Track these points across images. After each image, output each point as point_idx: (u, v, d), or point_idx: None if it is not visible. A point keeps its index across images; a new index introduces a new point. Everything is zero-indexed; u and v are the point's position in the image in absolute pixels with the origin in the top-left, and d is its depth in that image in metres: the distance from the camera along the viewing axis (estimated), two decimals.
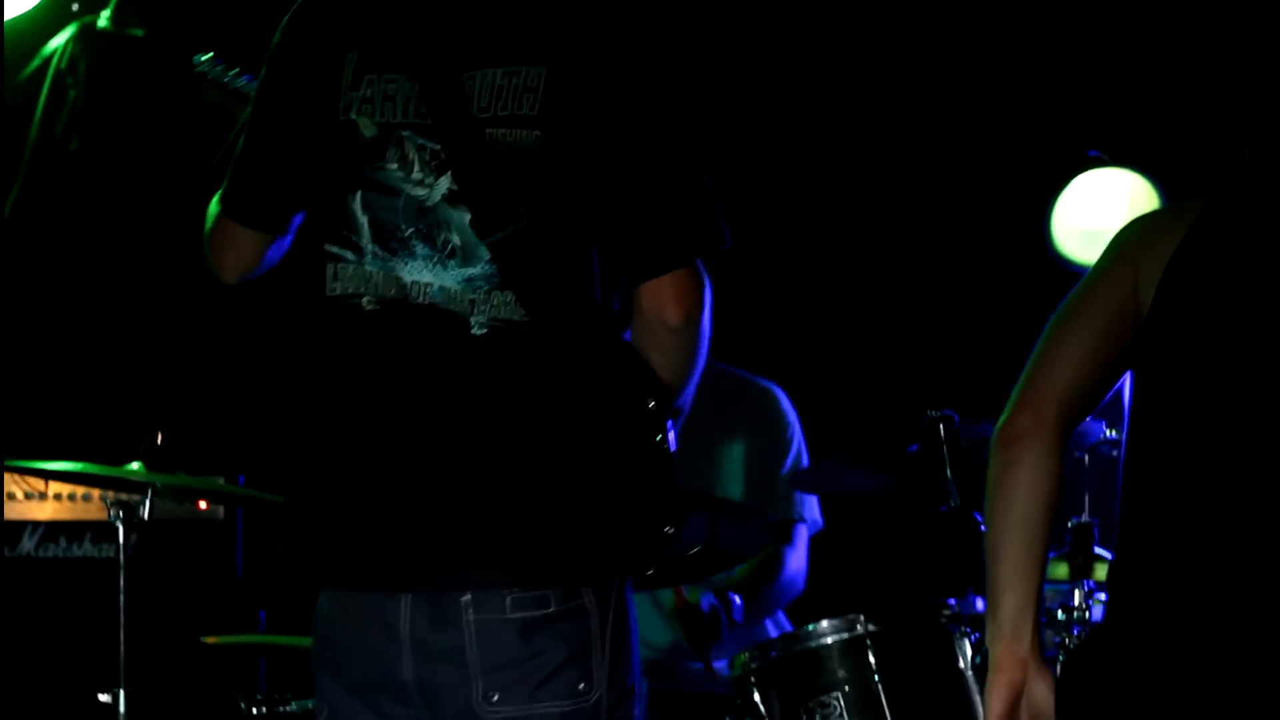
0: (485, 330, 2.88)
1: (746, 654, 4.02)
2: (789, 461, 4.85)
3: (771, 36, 5.72)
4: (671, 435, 2.93)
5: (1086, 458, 4.55)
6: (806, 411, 4.91)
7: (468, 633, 2.87)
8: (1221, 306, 2.75)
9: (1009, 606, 2.81)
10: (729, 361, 4.89)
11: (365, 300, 2.92)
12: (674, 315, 2.89)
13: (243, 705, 4.64)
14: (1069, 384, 2.83)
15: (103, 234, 6.01)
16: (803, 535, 4.89)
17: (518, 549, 2.87)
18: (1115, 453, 4.29)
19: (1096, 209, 5.14)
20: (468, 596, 2.87)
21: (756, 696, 3.96)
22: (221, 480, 5.39)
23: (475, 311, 2.88)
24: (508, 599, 2.86)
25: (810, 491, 4.78)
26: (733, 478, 4.85)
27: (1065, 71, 5.45)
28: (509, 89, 2.87)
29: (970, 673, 3.92)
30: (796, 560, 4.87)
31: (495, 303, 2.88)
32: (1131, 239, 2.86)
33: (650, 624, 4.76)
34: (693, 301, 2.90)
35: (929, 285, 5.67)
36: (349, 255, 2.93)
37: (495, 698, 2.88)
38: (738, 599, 4.63)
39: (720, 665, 4.53)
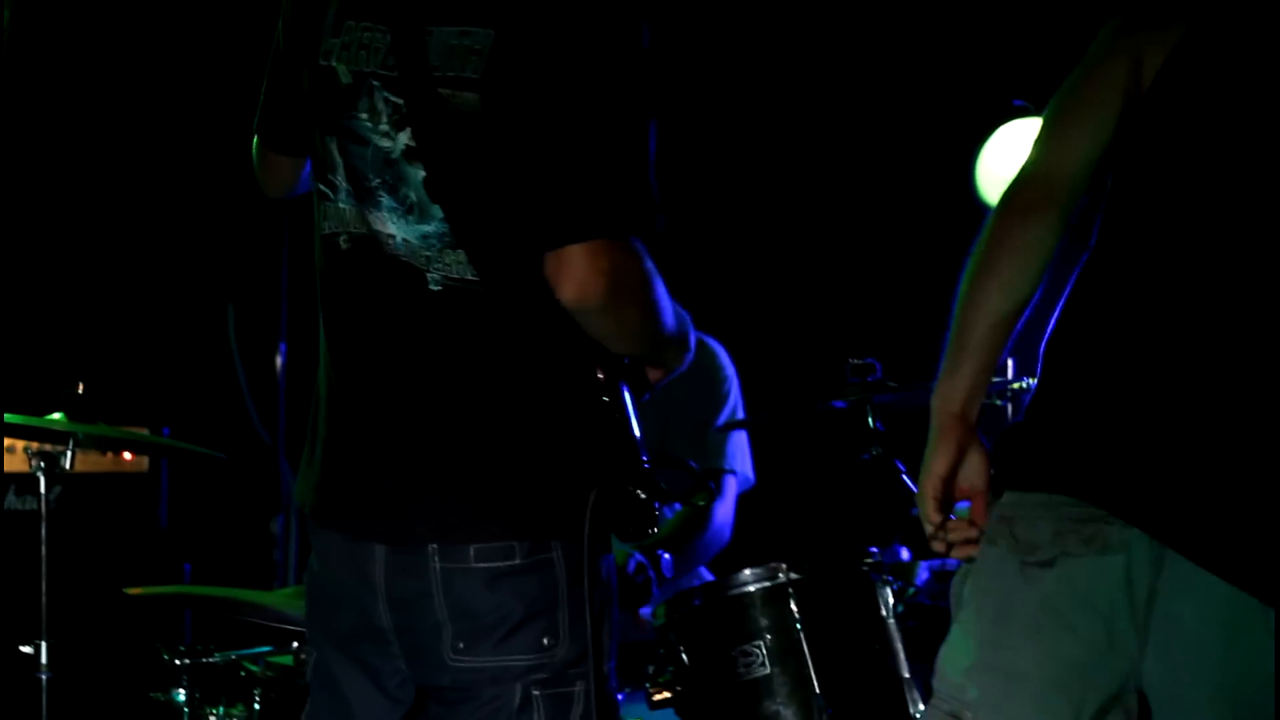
0: (440, 287, 2.88)
1: (669, 603, 4.00)
2: (723, 415, 4.85)
3: None
4: (628, 399, 2.91)
5: (1009, 407, 4.56)
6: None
7: (435, 581, 2.89)
8: (1222, 99, 2.75)
9: (967, 373, 2.84)
10: None
11: (342, 239, 2.95)
12: (567, 292, 2.79)
13: (165, 656, 4.62)
14: (1078, 164, 2.84)
15: (20, 181, 5.95)
16: (731, 486, 4.90)
17: (480, 501, 2.87)
18: None
19: (1021, 158, 5.10)
20: (434, 545, 2.88)
21: (680, 645, 3.95)
22: (146, 431, 5.36)
23: (431, 268, 2.88)
24: (472, 549, 2.87)
25: (733, 440, 4.78)
26: (674, 429, 4.86)
27: (989, 21, 5.44)
28: (458, 49, 2.84)
29: (892, 620, 3.91)
30: (724, 511, 4.87)
31: (448, 261, 2.87)
32: (1136, 20, 2.85)
33: None
34: (587, 281, 2.77)
35: (853, 234, 5.67)
36: (331, 195, 2.95)
37: (461, 646, 2.89)
38: (666, 555, 4.63)
39: (645, 613, 4.54)
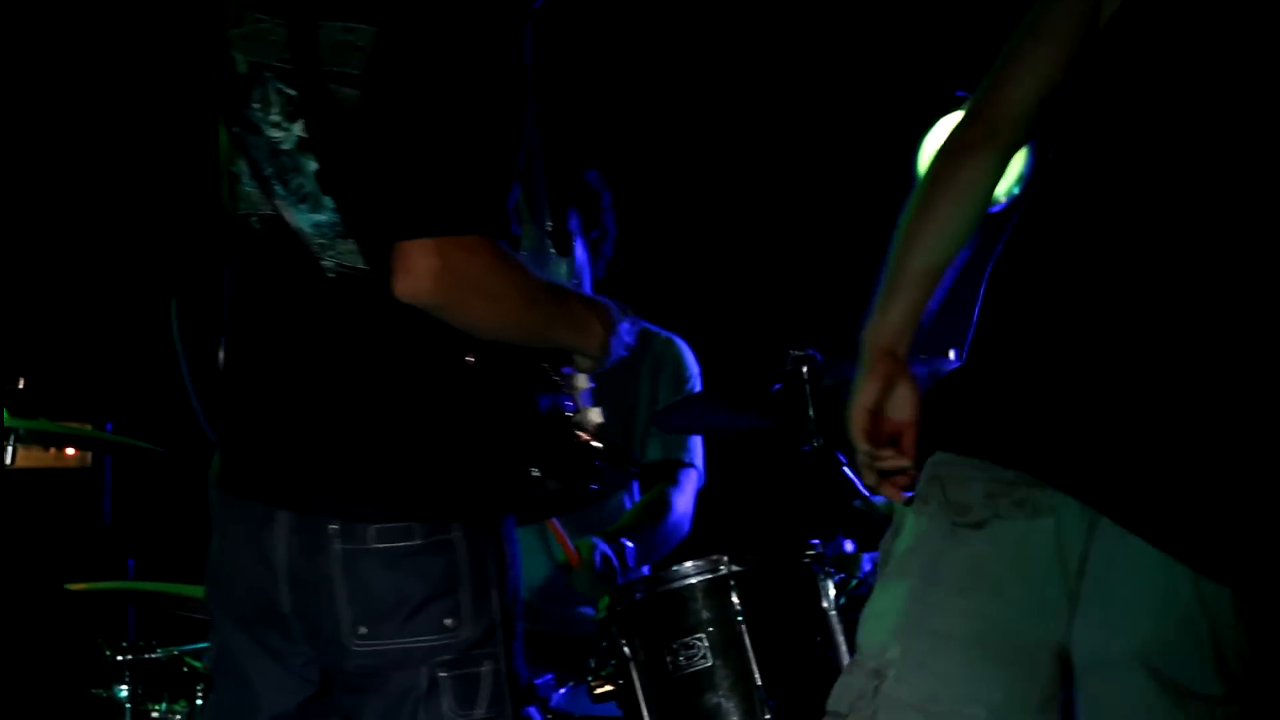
0: (335, 275, 2.92)
1: (611, 596, 4.00)
2: None
3: None
4: (514, 385, 2.96)
5: None
6: None
7: (335, 562, 2.91)
8: (1179, 48, 2.70)
9: (899, 308, 2.81)
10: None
11: (253, 219, 2.99)
12: (397, 287, 2.83)
13: (108, 652, 4.61)
14: (1027, 103, 2.78)
15: None
16: (690, 479, 4.90)
17: (379, 481, 2.90)
18: None
19: None
20: (335, 526, 2.90)
21: (621, 638, 3.93)
22: (89, 427, 5.34)
23: (325, 255, 2.92)
24: (372, 529, 2.89)
25: (674, 431, 4.77)
26: (641, 426, 4.87)
27: (932, 12, 5.44)
28: (342, 45, 2.89)
29: (834, 612, 3.91)
30: (683, 502, 4.88)
31: (340, 249, 2.91)
32: None
33: (526, 567, 4.76)
34: (416, 278, 2.82)
35: (795, 225, 5.67)
36: (239, 179, 3.00)
37: (363, 630, 2.91)
38: (630, 544, 4.63)
39: (585, 608, 4.54)
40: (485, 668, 2.95)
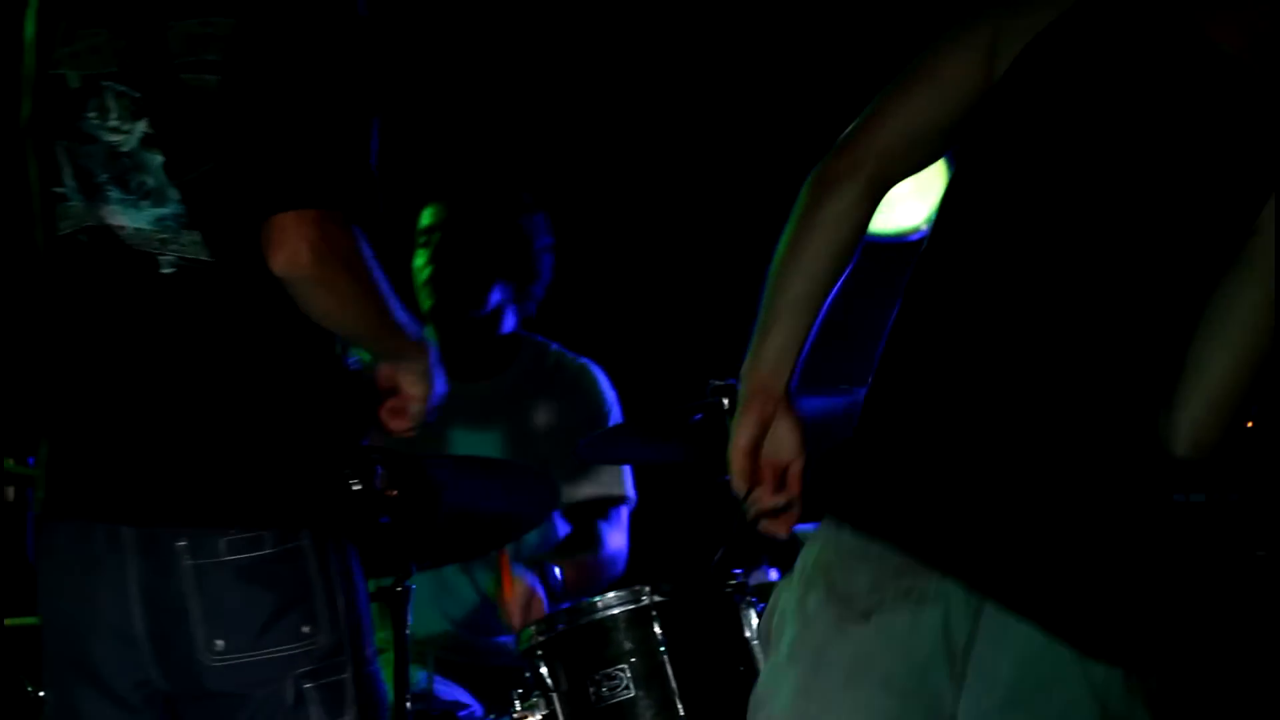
0: (174, 269, 2.93)
1: (534, 627, 4.01)
2: None
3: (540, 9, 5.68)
4: (350, 385, 3.00)
5: None
6: None
7: (187, 579, 2.90)
8: (1076, 98, 2.69)
9: (774, 343, 2.80)
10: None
11: (81, 235, 3.00)
12: (278, 261, 2.86)
13: (29, 688, 4.58)
14: (898, 139, 2.77)
15: None
16: (624, 516, 4.89)
17: (227, 490, 2.90)
18: None
19: None
20: (184, 542, 2.90)
21: (544, 669, 3.94)
22: (11, 461, 5.30)
23: (166, 250, 2.94)
24: (222, 541, 2.90)
25: (597, 461, 4.76)
26: (551, 453, 4.83)
27: (845, 42, 5.44)
28: (199, 37, 2.92)
29: (757, 642, 3.92)
30: (617, 539, 4.87)
31: (184, 241, 2.94)
32: (999, 5, 2.78)
33: (450, 598, 4.75)
34: (298, 248, 2.85)
35: (712, 253, 5.65)
36: (65, 197, 3.01)
37: (220, 645, 2.91)
38: (557, 570, 4.62)
39: (507, 638, 4.53)
40: (346, 674, 2.95)
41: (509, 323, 4.88)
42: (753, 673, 3.90)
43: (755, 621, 3.93)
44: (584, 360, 4.97)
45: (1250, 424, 4.23)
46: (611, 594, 3.95)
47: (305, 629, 2.92)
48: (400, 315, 3.02)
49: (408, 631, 3.87)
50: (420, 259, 4.86)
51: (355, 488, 3.03)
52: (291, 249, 2.84)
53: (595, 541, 4.82)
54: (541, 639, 3.96)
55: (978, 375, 2.69)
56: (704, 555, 4.07)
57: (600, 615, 3.93)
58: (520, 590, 4.53)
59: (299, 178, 2.85)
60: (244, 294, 2.92)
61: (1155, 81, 2.67)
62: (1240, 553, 4.31)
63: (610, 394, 4.94)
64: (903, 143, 2.77)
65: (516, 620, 4.50)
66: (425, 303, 4.85)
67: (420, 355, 3.08)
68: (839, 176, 2.78)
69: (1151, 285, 2.66)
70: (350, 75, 2.91)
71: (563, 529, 4.91)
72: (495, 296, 4.82)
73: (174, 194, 2.94)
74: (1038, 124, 2.71)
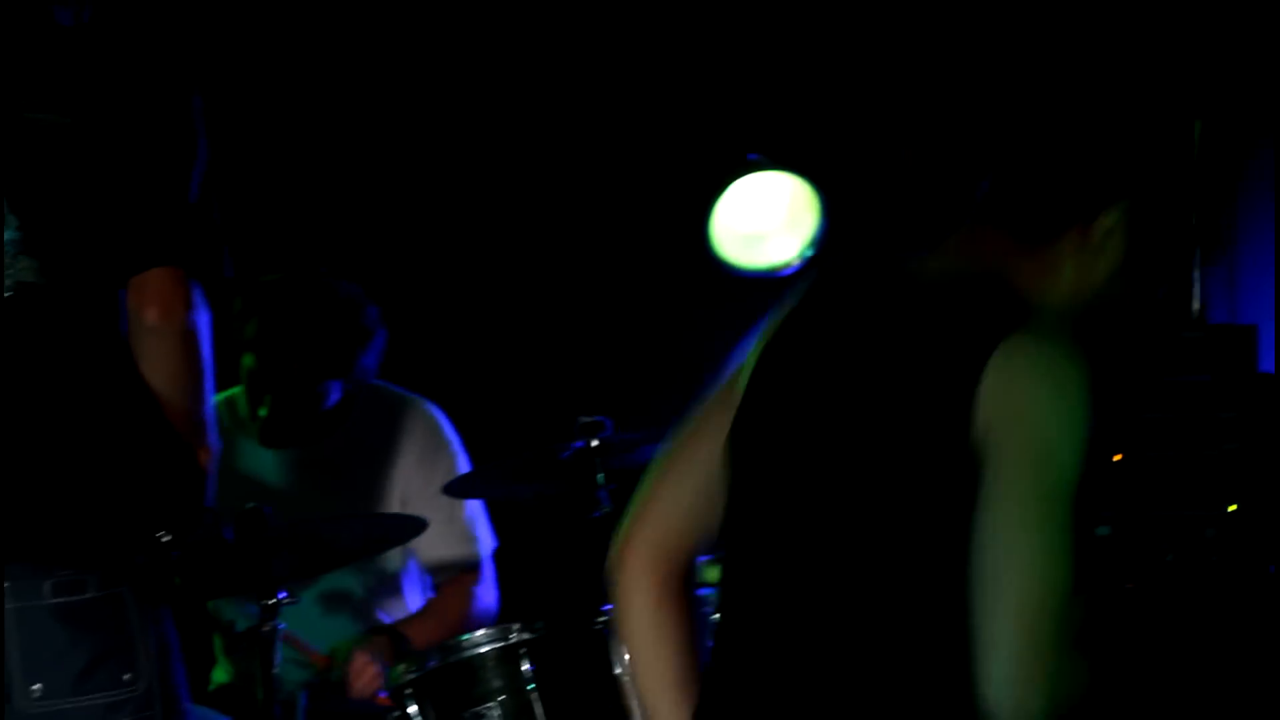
0: (11, 293, 2.93)
1: (403, 665, 3.98)
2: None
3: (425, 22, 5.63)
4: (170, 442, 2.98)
5: None
6: (457, 417, 4.83)
7: (9, 619, 2.86)
8: (780, 404, 2.51)
9: None
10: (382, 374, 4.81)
11: None
12: (151, 313, 2.93)
13: None
14: (680, 521, 2.60)
15: None
16: (489, 570, 4.82)
17: (53, 530, 2.88)
18: None
19: (757, 212, 5.12)
20: (8, 583, 2.86)
21: (413, 708, 3.92)
22: None
23: (5, 276, 2.94)
24: (46, 584, 2.87)
25: (461, 496, 4.68)
26: (409, 506, 4.74)
27: (723, 74, 5.44)
28: (52, 75, 2.96)
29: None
30: (488, 595, 4.80)
31: (20, 266, 2.94)
32: (712, 396, 2.62)
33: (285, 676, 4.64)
34: (170, 303, 2.93)
35: (585, 289, 5.61)
36: None
37: (37, 689, 2.86)
38: (408, 639, 4.55)
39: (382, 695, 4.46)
40: None
41: (336, 395, 4.73)
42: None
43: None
44: (414, 395, 4.83)
45: (1118, 457, 4.24)
46: (481, 632, 3.94)
47: (126, 676, 2.90)
48: (209, 410, 3.05)
49: (275, 670, 3.80)
50: (246, 359, 4.69)
51: (164, 540, 2.98)
52: (168, 301, 2.93)
53: (465, 601, 4.73)
54: (411, 677, 3.95)
55: (728, 672, 2.54)
56: (573, 592, 4.05)
57: (469, 653, 3.92)
58: (359, 661, 4.46)
59: (167, 238, 2.95)
60: (76, 320, 2.96)
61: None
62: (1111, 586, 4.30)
63: (450, 429, 4.79)
64: (689, 524, 2.60)
65: (353, 688, 4.43)
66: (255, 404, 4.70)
67: (206, 456, 3.06)
68: (633, 586, 2.62)
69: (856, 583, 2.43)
70: (180, 146, 3.00)
71: (413, 592, 4.80)
72: (330, 393, 4.69)
73: (13, 220, 2.95)
74: (751, 440, 2.53)
